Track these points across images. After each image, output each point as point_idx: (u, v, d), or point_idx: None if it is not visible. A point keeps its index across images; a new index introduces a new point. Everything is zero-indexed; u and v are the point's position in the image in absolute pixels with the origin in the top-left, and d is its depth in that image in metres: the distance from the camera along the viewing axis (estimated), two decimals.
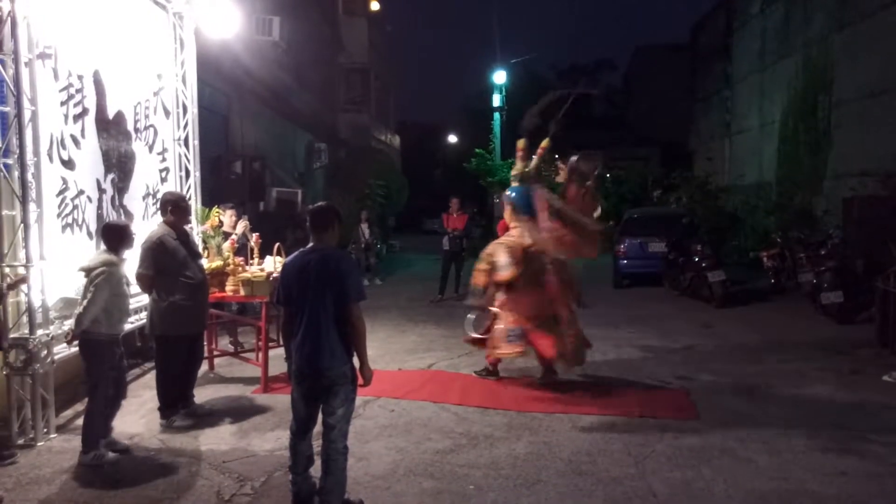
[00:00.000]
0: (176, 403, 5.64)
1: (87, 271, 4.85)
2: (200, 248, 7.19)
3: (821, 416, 5.66)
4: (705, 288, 11.15)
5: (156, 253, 5.43)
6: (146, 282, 5.51)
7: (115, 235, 5.01)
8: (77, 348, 4.98)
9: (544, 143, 6.96)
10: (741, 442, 5.08)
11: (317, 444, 4.15)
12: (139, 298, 6.30)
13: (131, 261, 5.38)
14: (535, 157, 6.97)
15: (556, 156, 7.21)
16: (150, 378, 6.43)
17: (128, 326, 6.03)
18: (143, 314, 6.12)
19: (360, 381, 4.05)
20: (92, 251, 5.75)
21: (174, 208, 5.66)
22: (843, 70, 12.99)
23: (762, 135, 16.98)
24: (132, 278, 5.42)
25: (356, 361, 4.03)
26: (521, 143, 7.06)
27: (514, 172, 7.14)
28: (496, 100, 24.84)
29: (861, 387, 6.43)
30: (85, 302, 4.75)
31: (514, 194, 6.91)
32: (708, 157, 19.10)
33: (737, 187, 17.29)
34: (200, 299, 5.74)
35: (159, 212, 5.87)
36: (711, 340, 8.68)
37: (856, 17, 12.58)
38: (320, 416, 4.01)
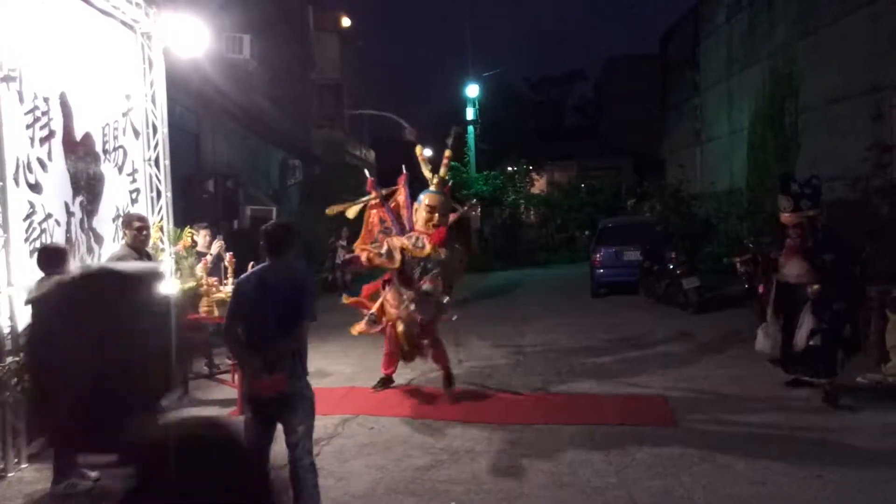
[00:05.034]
0: None
1: (29, 303, 4.69)
2: (173, 269, 7.11)
3: (797, 419, 5.72)
4: (681, 295, 11.24)
5: None
6: None
7: (48, 258, 4.84)
8: None
9: (447, 153, 7.42)
10: (719, 448, 5.11)
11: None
12: None
13: None
14: (443, 167, 7.37)
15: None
16: None
17: None
18: None
19: None
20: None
21: (128, 227, 5.65)
22: (808, 77, 13.25)
23: (732, 142, 17.22)
24: None
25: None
26: (448, 153, 7.44)
27: (436, 179, 7.33)
28: (469, 113, 24.95)
29: (836, 389, 6.50)
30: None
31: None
32: (680, 165, 19.29)
33: (709, 194, 17.47)
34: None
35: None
36: (688, 347, 8.74)
37: (818, 25, 12.86)
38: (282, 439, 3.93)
